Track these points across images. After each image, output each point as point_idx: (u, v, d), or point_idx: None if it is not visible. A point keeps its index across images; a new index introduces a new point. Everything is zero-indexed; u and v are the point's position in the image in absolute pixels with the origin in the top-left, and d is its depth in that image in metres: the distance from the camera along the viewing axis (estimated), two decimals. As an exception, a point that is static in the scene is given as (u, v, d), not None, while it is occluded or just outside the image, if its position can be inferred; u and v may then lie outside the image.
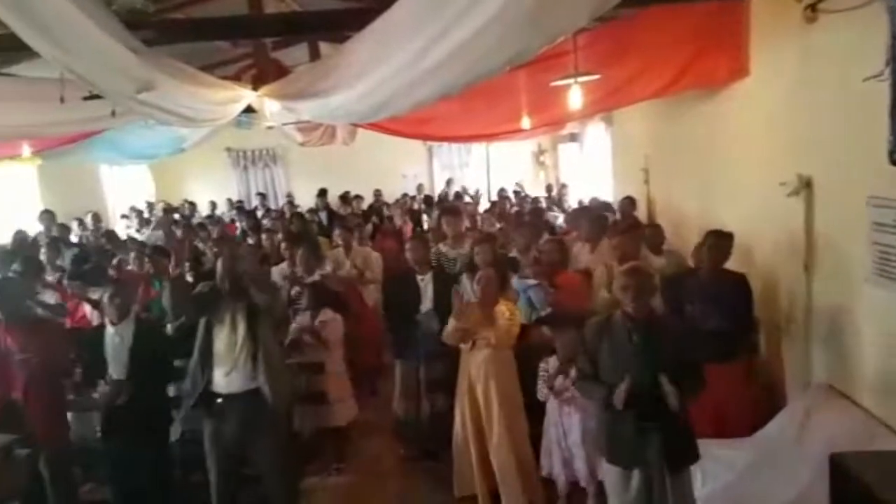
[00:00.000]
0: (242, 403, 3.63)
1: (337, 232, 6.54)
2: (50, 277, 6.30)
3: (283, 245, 6.40)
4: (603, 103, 5.94)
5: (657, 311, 3.37)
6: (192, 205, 11.81)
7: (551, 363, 3.98)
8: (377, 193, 11.90)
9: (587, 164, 11.13)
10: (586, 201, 9.05)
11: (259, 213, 10.76)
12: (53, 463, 4.09)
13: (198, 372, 3.66)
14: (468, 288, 4.45)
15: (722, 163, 5.45)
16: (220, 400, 3.65)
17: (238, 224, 9.96)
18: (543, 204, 9.94)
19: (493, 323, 4.01)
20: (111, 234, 8.71)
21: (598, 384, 3.15)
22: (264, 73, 5.59)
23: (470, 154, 13.56)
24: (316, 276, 5.38)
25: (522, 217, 7.92)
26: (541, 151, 13.51)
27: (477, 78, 3.30)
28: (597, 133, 10.30)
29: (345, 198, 10.94)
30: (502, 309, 4.06)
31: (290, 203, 11.60)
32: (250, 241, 7.94)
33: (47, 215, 8.98)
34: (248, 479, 3.89)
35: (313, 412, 4.77)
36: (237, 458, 3.76)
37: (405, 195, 11.58)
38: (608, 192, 9.40)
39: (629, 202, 7.33)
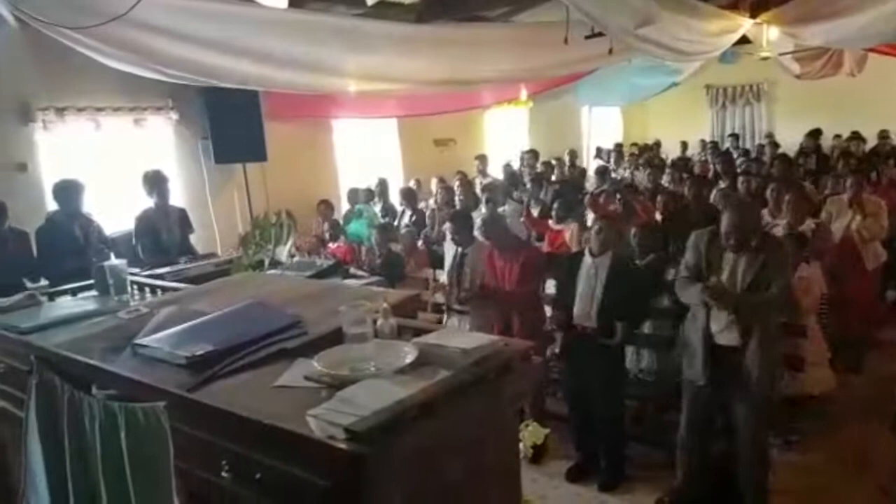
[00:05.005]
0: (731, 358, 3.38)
1: (850, 180, 5.53)
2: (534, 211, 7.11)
3: (768, 189, 5.79)
4: None
5: None
6: (657, 145, 11.73)
7: None
8: (882, 134, 9.92)
9: None
10: None
11: (734, 155, 10.06)
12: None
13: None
14: None
15: None
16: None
17: (711, 166, 9.50)
18: None
19: None
20: (602, 170, 9.12)
21: None
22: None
23: None
24: (807, 226, 4.75)
25: None
26: None
27: None
28: None
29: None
30: None
31: (772, 143, 10.54)
32: (722, 183, 7.47)
33: (530, 154, 10.01)
34: (721, 432, 3.70)
35: (788, 377, 4.30)
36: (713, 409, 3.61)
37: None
38: None
39: None
